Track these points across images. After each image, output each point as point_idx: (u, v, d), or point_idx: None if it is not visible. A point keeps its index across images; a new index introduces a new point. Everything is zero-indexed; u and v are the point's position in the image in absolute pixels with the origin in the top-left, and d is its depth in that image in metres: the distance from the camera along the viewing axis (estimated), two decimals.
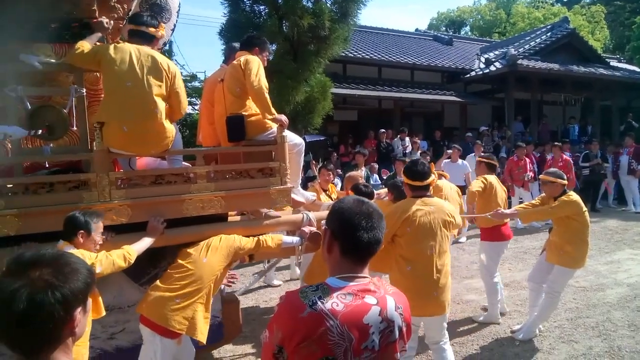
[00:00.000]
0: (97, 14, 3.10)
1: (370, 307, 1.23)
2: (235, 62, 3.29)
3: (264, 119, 3.25)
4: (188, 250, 2.82)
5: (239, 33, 7.51)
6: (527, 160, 8.91)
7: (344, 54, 10.96)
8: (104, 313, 2.46)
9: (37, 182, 2.59)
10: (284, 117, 3.21)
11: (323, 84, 9.18)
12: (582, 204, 3.81)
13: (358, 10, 8.85)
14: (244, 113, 3.22)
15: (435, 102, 13.75)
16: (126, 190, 2.76)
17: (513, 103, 13.55)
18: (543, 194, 4.13)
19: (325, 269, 1.39)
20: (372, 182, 9.59)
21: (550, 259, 3.90)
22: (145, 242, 2.68)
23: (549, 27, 16.60)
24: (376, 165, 9.71)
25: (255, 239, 3.02)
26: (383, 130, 11.09)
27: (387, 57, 13.49)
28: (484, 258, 4.48)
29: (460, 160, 8.12)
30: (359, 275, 1.29)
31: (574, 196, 3.80)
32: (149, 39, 2.90)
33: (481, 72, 13.97)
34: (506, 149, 11.75)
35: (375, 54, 13.44)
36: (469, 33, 29.91)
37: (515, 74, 12.95)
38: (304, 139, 9.15)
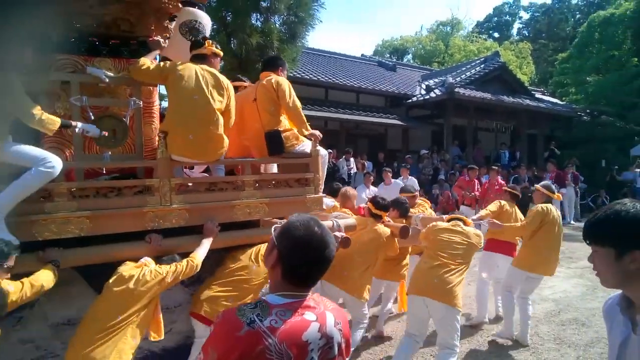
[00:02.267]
0: (153, 33, 3.45)
1: (310, 324, 1.22)
2: (265, 83, 3.58)
3: (301, 134, 3.60)
4: (238, 255, 3.10)
5: None
6: (476, 180, 9.43)
7: (291, 74, 11.06)
8: (162, 336, 2.66)
9: (108, 186, 2.81)
10: (317, 132, 3.60)
11: None
12: (549, 213, 4.34)
13: (306, 33, 9.04)
14: (279, 129, 3.53)
15: (379, 125, 14.21)
16: (184, 195, 3.00)
17: (451, 128, 14.34)
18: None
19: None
20: None
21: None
22: (205, 246, 2.87)
23: (482, 59, 17.91)
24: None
25: None
26: (329, 150, 11.24)
27: (333, 79, 13.82)
28: (499, 274, 4.73)
29: (393, 181, 8.43)
30: (299, 292, 1.27)
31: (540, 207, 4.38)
32: (206, 58, 3.20)
33: (422, 98, 14.69)
34: (445, 172, 12.34)
35: (323, 76, 13.72)
36: (411, 61, 31.50)
37: (453, 101, 13.75)
38: None
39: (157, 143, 3.16)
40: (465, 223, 3.75)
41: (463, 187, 9.37)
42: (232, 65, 8.55)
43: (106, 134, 2.85)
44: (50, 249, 2.54)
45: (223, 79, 3.15)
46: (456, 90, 13.40)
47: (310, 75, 13.26)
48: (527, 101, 15.72)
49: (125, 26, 3.33)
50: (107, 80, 2.97)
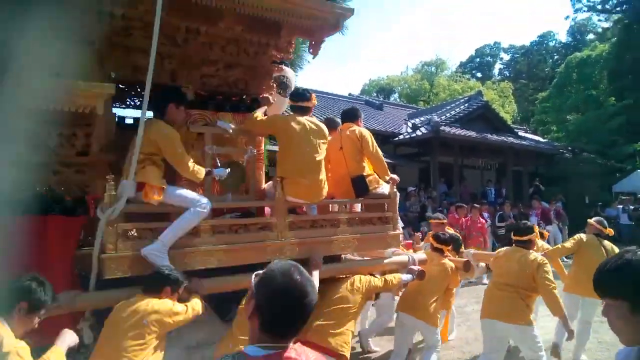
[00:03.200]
0: (263, 91, 4.14)
1: None
2: (349, 134, 4.04)
3: (382, 179, 4.07)
4: (337, 286, 3.42)
5: None
6: (463, 219, 9.40)
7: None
8: None
9: (239, 223, 3.27)
10: (396, 176, 4.10)
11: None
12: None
13: (295, 73, 9.24)
14: (364, 174, 3.97)
15: None
16: (295, 232, 3.45)
17: (437, 166, 14.55)
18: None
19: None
20: None
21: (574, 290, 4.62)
22: (316, 278, 3.11)
23: (466, 98, 18.45)
24: None
25: (383, 278, 3.68)
26: None
27: (324, 118, 14.00)
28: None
29: None
30: (279, 344, 1.21)
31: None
32: (307, 110, 3.68)
33: (408, 136, 14.96)
34: (432, 209, 12.40)
35: (313, 115, 13.90)
36: (398, 99, 32.30)
37: (439, 139, 14.02)
38: None
39: (264, 186, 3.90)
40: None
41: (452, 225, 9.37)
42: None
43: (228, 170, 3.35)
44: (195, 279, 2.92)
45: (324, 128, 3.66)
46: (441, 128, 13.70)
47: None
48: (511, 139, 16.11)
49: (242, 85, 4.08)
50: (231, 132, 3.53)
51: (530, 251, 3.98)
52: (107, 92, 2.72)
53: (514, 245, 4.14)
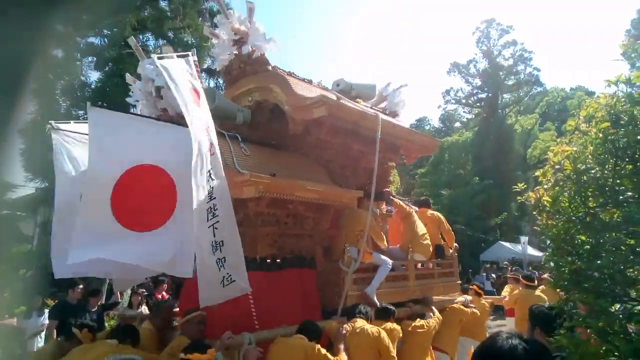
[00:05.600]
0: (387, 187, 5.80)
1: None
2: (430, 216, 5.81)
3: (450, 246, 6.00)
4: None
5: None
6: None
7: None
8: None
9: (404, 275, 5.13)
10: (456, 245, 6.06)
11: None
12: None
13: None
14: (441, 243, 5.81)
15: None
16: (417, 281, 5.16)
17: None
18: None
19: None
20: None
21: None
22: (435, 310, 4.82)
23: None
24: None
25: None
26: None
27: None
28: None
29: None
30: None
31: None
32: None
33: None
34: None
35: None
36: None
37: None
38: None
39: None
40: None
41: None
42: None
43: None
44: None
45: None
46: None
47: None
48: None
49: (370, 178, 4.86)
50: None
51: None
52: (357, 195, 4.44)
53: None
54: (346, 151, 4.93)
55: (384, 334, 3.57)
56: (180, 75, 2.95)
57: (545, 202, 2.15)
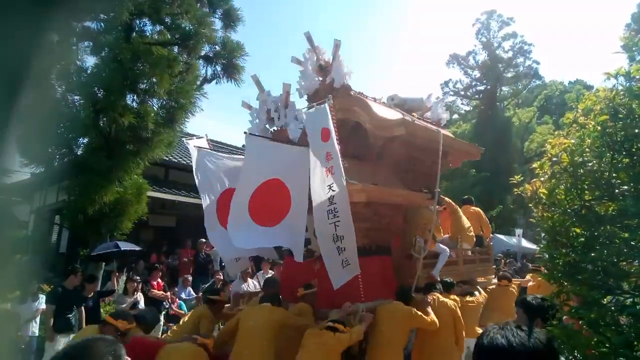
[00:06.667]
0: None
1: None
2: (472, 211, 7.02)
3: (487, 236, 7.16)
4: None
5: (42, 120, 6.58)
6: None
7: (167, 158, 10.60)
8: None
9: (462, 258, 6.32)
10: (492, 235, 6.85)
11: (139, 186, 8.52)
12: None
13: (186, 119, 8.85)
14: (480, 234, 6.83)
15: None
16: (465, 265, 6.23)
17: None
18: None
19: None
20: (184, 296, 8.72)
21: None
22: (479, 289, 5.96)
23: None
24: (190, 278, 8.98)
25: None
26: (203, 239, 10.44)
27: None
28: None
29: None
30: None
31: None
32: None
33: None
34: None
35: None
36: None
37: None
38: (117, 245, 7.99)
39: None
40: None
41: None
42: (97, 144, 7.85)
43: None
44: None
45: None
46: None
47: (188, 160, 12.87)
48: None
49: (425, 184, 5.84)
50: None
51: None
52: (427, 197, 5.44)
53: None
54: (409, 159, 5.98)
55: (455, 306, 4.80)
56: (315, 123, 4.27)
57: (542, 195, 2.16)
